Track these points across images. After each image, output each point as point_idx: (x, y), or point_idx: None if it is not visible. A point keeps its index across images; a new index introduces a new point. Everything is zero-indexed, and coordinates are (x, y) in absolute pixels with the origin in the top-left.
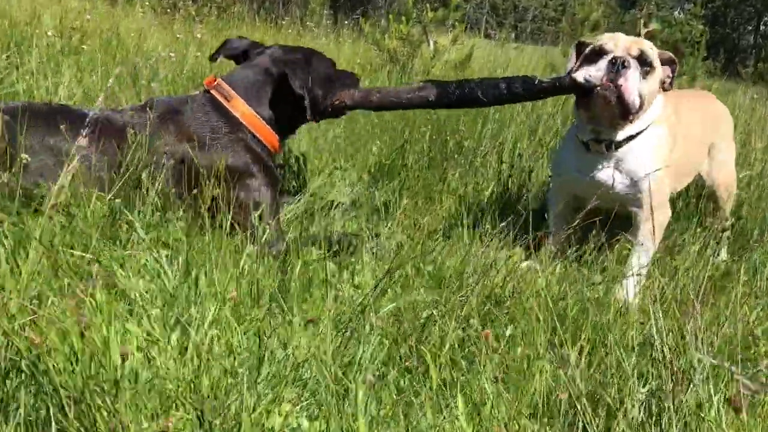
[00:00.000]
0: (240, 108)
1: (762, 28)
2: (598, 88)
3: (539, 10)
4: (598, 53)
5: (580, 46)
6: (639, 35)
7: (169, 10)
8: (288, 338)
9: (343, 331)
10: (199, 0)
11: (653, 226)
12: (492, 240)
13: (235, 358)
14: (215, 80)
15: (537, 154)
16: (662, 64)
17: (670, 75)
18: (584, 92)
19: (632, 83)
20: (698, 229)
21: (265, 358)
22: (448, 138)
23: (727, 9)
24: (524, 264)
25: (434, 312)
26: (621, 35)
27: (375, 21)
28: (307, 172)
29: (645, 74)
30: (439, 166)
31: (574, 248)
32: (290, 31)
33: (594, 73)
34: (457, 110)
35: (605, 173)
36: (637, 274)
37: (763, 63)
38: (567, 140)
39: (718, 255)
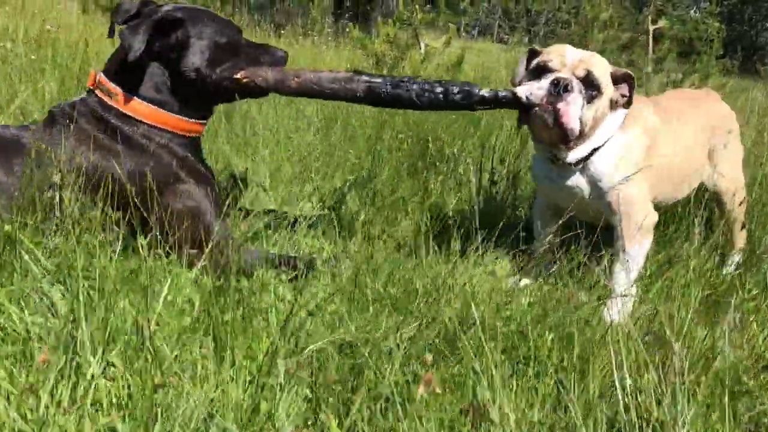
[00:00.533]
0: (129, 103)
1: None
2: (537, 108)
3: (552, 14)
4: (543, 69)
5: (533, 55)
6: (648, 32)
7: None
8: (189, 390)
9: (257, 378)
10: None
11: (634, 235)
12: (466, 255)
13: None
14: (95, 76)
15: (526, 162)
16: (617, 83)
17: (627, 93)
18: (525, 109)
19: (573, 109)
20: (699, 238)
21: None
22: (430, 145)
23: (744, 6)
24: (509, 281)
25: (367, 355)
26: (569, 50)
27: (369, 26)
28: (269, 185)
29: (590, 98)
30: (418, 175)
31: (559, 262)
32: (290, 39)
33: (535, 91)
34: (439, 114)
35: (573, 181)
36: (623, 294)
37: None
38: (537, 154)
39: (725, 266)
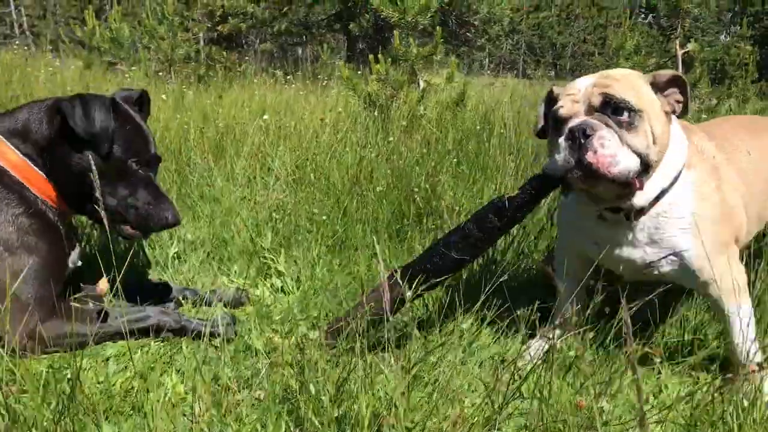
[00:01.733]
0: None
1: None
2: (568, 174)
3: (577, 46)
4: (558, 122)
5: (549, 97)
6: (676, 57)
7: (161, 73)
8: None
9: None
10: (200, 60)
11: (733, 295)
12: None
13: None
14: None
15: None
16: (663, 89)
17: (680, 99)
18: (562, 182)
19: (607, 151)
20: None
21: None
22: (416, 197)
23: None
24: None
25: None
26: (579, 82)
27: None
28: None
29: (628, 125)
30: (404, 234)
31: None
32: (296, 84)
33: (555, 158)
34: (434, 156)
35: (635, 247)
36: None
37: None
38: (569, 201)
39: None
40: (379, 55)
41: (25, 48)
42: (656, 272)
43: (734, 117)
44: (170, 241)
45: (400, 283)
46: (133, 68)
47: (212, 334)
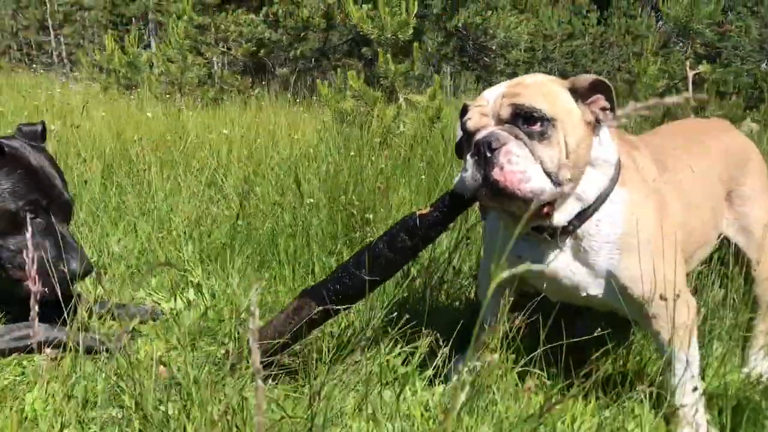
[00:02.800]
0: None
1: None
2: (477, 192)
3: (612, 74)
4: (467, 134)
5: (463, 112)
6: (686, 79)
7: (167, 95)
8: None
9: None
10: (212, 83)
11: (684, 334)
12: None
13: None
14: None
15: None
16: (585, 97)
17: (606, 105)
18: (476, 200)
19: (516, 167)
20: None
21: None
22: (355, 212)
23: None
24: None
25: None
26: (487, 93)
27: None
28: None
29: (539, 136)
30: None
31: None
32: (302, 107)
33: (463, 175)
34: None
35: (561, 267)
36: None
37: None
38: (493, 215)
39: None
40: (350, 72)
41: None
42: (584, 294)
43: (683, 121)
44: (95, 254)
45: (310, 304)
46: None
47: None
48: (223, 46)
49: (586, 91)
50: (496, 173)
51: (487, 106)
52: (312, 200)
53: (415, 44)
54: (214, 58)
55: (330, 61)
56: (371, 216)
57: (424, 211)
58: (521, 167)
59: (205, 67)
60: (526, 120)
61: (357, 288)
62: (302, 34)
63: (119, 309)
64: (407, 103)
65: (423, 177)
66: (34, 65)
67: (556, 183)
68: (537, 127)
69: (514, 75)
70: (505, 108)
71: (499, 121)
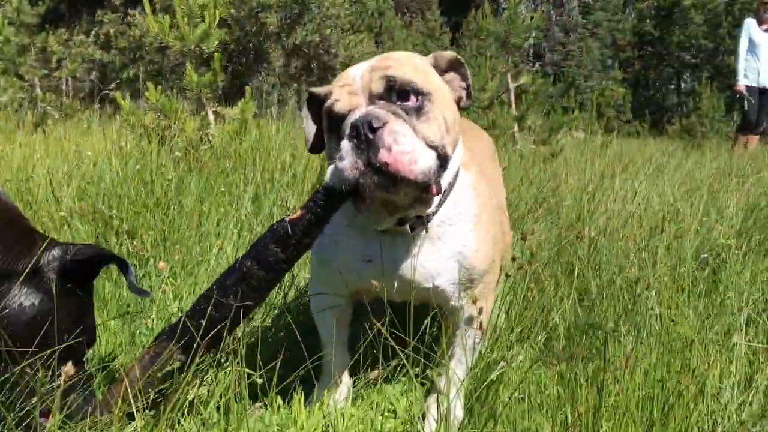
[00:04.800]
0: None
1: (683, 86)
2: (360, 181)
3: None
4: (335, 120)
5: (311, 103)
6: (508, 90)
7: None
8: None
9: None
10: (36, 108)
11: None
12: None
13: None
14: None
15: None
16: (444, 72)
17: (463, 85)
18: (352, 194)
19: (404, 147)
20: None
21: None
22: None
23: (647, 71)
24: None
25: None
26: (351, 73)
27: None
28: None
29: (417, 112)
30: None
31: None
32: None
33: (340, 164)
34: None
35: (413, 260)
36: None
37: (687, 119)
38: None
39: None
40: (149, 84)
41: None
42: (429, 286)
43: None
44: None
45: (171, 350)
46: None
47: None
48: (47, 68)
49: (446, 67)
50: (383, 155)
51: (356, 83)
52: (63, 214)
53: (217, 54)
54: (36, 80)
55: (168, 80)
56: (133, 228)
57: (294, 216)
58: (408, 146)
59: (23, 90)
60: (400, 95)
61: (226, 318)
62: (136, 55)
63: None
64: (216, 117)
65: (222, 189)
66: None
67: (442, 158)
68: (413, 102)
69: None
70: (376, 82)
71: (371, 98)
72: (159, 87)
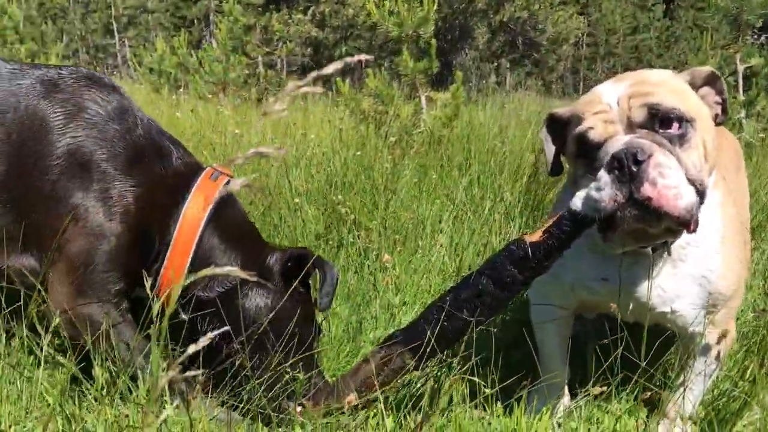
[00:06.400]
0: None
1: None
2: (618, 214)
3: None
4: (587, 148)
5: (552, 123)
6: (735, 72)
7: (210, 95)
8: None
9: None
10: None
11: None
12: None
13: None
14: None
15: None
16: (699, 88)
17: (718, 100)
18: (602, 224)
19: (670, 181)
20: None
21: None
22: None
23: None
24: None
25: None
26: (605, 94)
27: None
28: None
29: (679, 139)
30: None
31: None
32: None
33: (596, 194)
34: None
35: (653, 282)
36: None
37: None
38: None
39: None
40: (368, 70)
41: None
42: (667, 310)
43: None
44: None
45: (401, 350)
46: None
47: None
48: (268, 46)
49: (703, 81)
50: (647, 190)
51: (611, 111)
52: (297, 201)
53: (432, 41)
54: (259, 58)
55: (376, 59)
56: (359, 217)
57: (534, 238)
58: (674, 181)
59: (249, 67)
60: (662, 123)
61: (457, 332)
62: (348, 33)
63: None
64: (428, 102)
65: (434, 177)
66: (98, 68)
67: (700, 192)
68: (675, 130)
69: (571, 70)
70: (637, 110)
71: (630, 126)
72: (382, 73)
